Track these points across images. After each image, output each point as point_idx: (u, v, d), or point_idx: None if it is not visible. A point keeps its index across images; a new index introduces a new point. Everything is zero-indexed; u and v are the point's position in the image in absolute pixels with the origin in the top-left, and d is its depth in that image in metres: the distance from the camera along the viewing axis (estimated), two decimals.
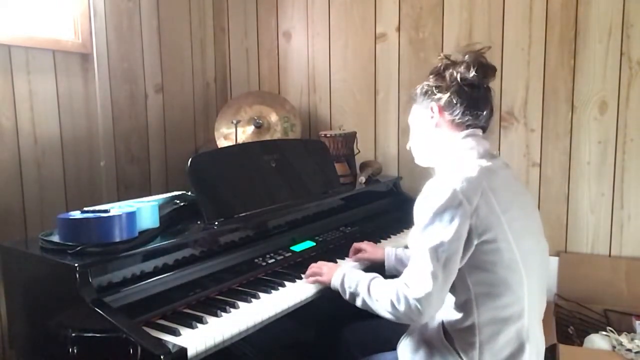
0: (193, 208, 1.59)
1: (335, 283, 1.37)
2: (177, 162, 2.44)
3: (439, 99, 1.28)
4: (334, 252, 1.74)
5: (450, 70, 1.27)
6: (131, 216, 1.32)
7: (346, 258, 1.70)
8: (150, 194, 1.80)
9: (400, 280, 1.17)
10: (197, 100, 2.65)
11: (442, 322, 1.21)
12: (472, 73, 1.25)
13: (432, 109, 1.30)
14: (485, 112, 1.30)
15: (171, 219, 1.55)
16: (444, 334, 1.20)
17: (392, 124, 2.50)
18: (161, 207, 1.52)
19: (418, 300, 1.10)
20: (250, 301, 1.34)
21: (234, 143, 2.22)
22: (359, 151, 2.36)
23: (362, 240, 1.77)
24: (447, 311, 1.20)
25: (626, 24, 2.05)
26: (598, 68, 2.11)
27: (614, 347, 1.80)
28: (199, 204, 1.52)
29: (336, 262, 1.65)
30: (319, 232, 1.85)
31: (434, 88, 1.29)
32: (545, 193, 2.24)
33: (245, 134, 2.34)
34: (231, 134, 2.28)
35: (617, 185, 2.13)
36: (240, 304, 1.32)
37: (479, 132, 1.29)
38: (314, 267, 1.49)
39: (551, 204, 2.23)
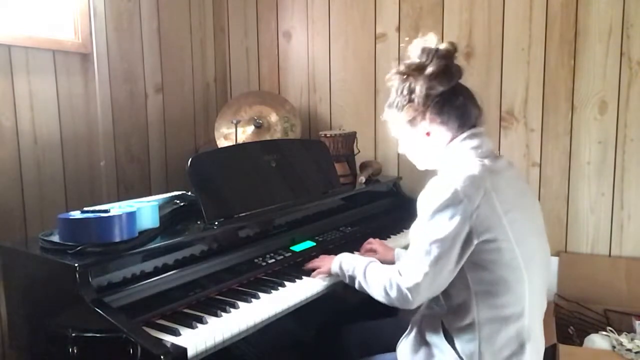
0: (193, 208, 1.59)
1: (334, 269, 1.44)
2: (177, 162, 2.44)
3: (426, 119, 1.24)
4: (334, 252, 1.72)
5: (418, 88, 1.21)
6: (131, 216, 1.32)
7: (355, 253, 1.70)
8: (150, 194, 1.80)
9: (395, 267, 1.22)
10: (197, 100, 2.65)
11: (442, 321, 1.21)
12: (440, 87, 1.20)
13: (424, 128, 1.25)
14: (475, 110, 1.27)
15: (171, 219, 1.55)
16: (444, 334, 1.20)
17: None
18: (161, 207, 1.52)
19: (408, 289, 1.15)
20: (250, 301, 1.34)
21: (234, 143, 2.22)
22: (359, 151, 2.36)
23: (362, 241, 1.77)
24: (446, 310, 1.21)
25: (626, 24, 2.05)
26: (598, 68, 2.11)
27: (614, 347, 1.79)
28: (199, 204, 1.52)
29: None
30: (319, 232, 1.85)
31: (415, 113, 1.24)
32: (545, 193, 2.24)
33: (245, 134, 2.34)
34: (231, 134, 2.28)
35: (617, 185, 2.13)
36: (240, 304, 1.32)
37: (480, 129, 1.26)
38: (314, 262, 1.55)
39: (551, 204, 2.23)
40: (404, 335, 1.31)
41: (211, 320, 1.23)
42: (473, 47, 2.30)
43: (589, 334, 1.91)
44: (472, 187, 1.12)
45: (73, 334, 1.18)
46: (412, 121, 1.26)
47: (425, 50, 1.23)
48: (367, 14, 2.50)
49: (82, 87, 2.02)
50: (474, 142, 1.23)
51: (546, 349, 1.31)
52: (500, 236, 1.12)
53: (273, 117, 2.38)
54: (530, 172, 2.25)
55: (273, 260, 1.59)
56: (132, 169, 2.26)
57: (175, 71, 2.48)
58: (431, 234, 1.12)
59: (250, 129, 2.35)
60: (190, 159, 1.54)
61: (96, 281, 1.18)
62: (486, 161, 1.19)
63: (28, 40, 1.80)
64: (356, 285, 1.34)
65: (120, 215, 1.29)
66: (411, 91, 1.24)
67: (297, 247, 1.70)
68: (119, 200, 1.84)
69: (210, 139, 2.58)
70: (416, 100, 1.23)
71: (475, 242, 1.11)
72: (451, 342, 1.19)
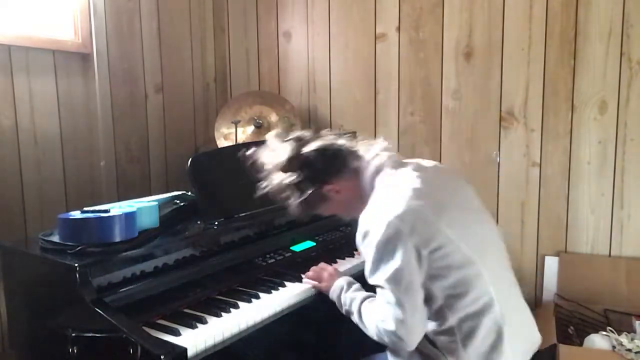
0: (193, 208, 1.59)
1: (332, 295, 1.40)
2: (177, 162, 2.44)
3: (324, 188, 1.28)
4: (334, 252, 1.74)
5: (298, 172, 1.26)
6: (131, 216, 1.32)
7: (339, 261, 1.70)
8: (150, 194, 1.80)
9: (377, 316, 1.20)
10: (197, 100, 2.65)
11: None
12: (317, 157, 1.27)
13: (329, 193, 1.29)
14: (350, 145, 1.32)
15: (171, 219, 1.55)
16: (427, 340, 1.22)
17: (392, 124, 2.49)
18: (161, 207, 1.52)
19: (394, 332, 1.14)
20: (251, 301, 1.34)
21: (234, 143, 2.22)
22: None
23: None
24: None
25: (626, 24, 2.05)
26: (598, 68, 2.11)
27: (614, 347, 1.79)
28: (199, 204, 1.52)
29: (336, 262, 1.66)
30: (319, 232, 1.85)
31: (311, 191, 1.27)
32: (545, 193, 2.24)
33: (245, 134, 2.34)
34: (231, 134, 2.28)
35: (617, 185, 2.13)
36: (241, 303, 1.32)
37: (383, 156, 1.29)
38: (315, 270, 1.50)
39: (551, 204, 2.23)
40: None
41: (211, 320, 1.23)
42: (473, 47, 2.30)
43: (589, 334, 1.91)
44: (400, 212, 1.14)
45: (73, 334, 1.18)
46: (316, 193, 1.28)
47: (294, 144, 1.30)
48: (367, 14, 2.50)
49: (82, 87, 2.02)
50: (382, 174, 1.25)
51: (546, 349, 1.31)
52: (443, 241, 1.14)
53: (273, 117, 2.38)
54: (530, 172, 2.25)
55: (273, 260, 1.59)
56: (132, 169, 2.26)
57: (175, 71, 2.48)
58: (387, 270, 1.13)
59: (250, 129, 2.35)
60: (190, 159, 1.54)
61: (96, 281, 1.18)
62: (399, 178, 1.22)
63: (28, 40, 1.80)
64: (353, 320, 1.31)
65: (120, 215, 1.29)
66: (300, 177, 1.26)
67: (297, 247, 1.70)
68: (119, 200, 1.84)
69: (210, 139, 2.57)
70: (308, 180, 1.26)
71: (425, 254, 1.13)
72: (435, 346, 1.21)
